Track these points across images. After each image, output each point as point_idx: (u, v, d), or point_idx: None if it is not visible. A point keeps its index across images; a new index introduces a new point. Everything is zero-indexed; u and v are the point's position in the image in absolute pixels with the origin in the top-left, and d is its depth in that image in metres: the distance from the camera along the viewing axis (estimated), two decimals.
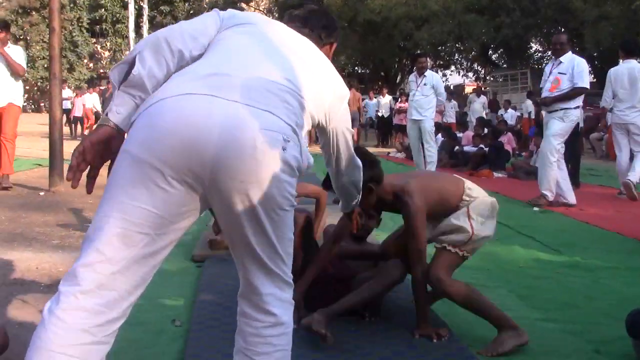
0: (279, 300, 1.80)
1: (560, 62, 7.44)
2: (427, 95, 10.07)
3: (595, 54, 26.20)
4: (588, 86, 7.45)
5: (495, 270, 4.46)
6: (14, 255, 4.52)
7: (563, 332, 3.21)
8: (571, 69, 7.29)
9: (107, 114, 1.79)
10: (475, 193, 3.17)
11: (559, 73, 7.38)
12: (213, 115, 1.61)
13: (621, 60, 8.31)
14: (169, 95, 1.66)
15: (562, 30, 25.41)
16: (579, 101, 7.41)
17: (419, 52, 20.66)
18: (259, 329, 1.78)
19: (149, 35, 1.89)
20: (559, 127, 7.30)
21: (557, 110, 7.33)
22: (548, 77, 7.56)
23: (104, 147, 1.76)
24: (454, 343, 2.99)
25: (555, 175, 7.34)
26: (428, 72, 10.23)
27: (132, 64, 1.79)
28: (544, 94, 7.53)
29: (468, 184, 3.20)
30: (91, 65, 47.67)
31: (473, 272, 4.40)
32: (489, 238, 3.21)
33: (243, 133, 1.61)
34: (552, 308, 3.59)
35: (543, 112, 8.63)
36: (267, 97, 1.71)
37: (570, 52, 7.56)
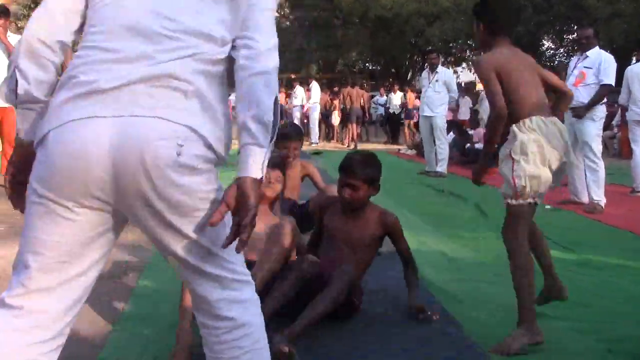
0: (233, 303, 1.72)
1: (587, 56, 7.24)
2: (438, 91, 10.06)
3: (608, 52, 26.07)
4: (613, 83, 7.23)
5: (504, 268, 4.42)
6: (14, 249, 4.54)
7: (574, 331, 3.20)
8: (598, 63, 7.09)
9: (17, 134, 1.75)
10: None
11: (584, 67, 7.18)
12: (99, 143, 1.53)
13: (634, 59, 8.24)
14: (54, 126, 1.57)
15: (576, 27, 25.23)
16: (604, 97, 7.20)
17: (430, 48, 20.64)
18: (220, 336, 1.72)
19: (21, 38, 1.74)
20: (593, 128, 7.08)
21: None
22: (572, 70, 7.37)
23: (29, 165, 1.68)
24: (465, 340, 2.98)
25: (603, 177, 7.11)
26: (440, 69, 10.22)
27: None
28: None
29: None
30: None
31: (484, 270, 4.40)
32: (546, 179, 3.00)
33: (131, 155, 1.52)
34: (562, 306, 3.57)
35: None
36: (152, 93, 1.58)
37: (597, 47, 7.34)
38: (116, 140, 1.53)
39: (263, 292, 2.69)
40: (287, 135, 4.64)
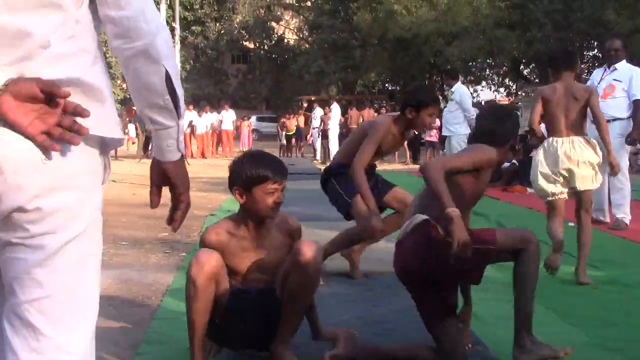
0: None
1: (615, 68, 6.98)
2: (452, 110, 10.02)
3: None
4: None
5: None
6: None
7: (603, 350, 3.14)
8: (629, 78, 6.83)
9: None
10: None
11: (613, 80, 6.92)
12: None
13: None
14: None
15: (596, 44, 25.14)
16: (630, 111, 6.86)
17: (448, 68, 20.63)
18: None
19: None
20: (618, 145, 6.60)
21: (609, 122, 6.37)
22: (598, 83, 7.03)
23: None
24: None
25: (629, 194, 6.92)
26: (455, 87, 10.18)
27: None
28: None
29: None
30: (124, 85, 48.37)
31: (506, 287, 4.33)
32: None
33: None
34: (591, 325, 3.51)
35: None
36: None
37: (624, 60, 7.05)
38: None
39: None
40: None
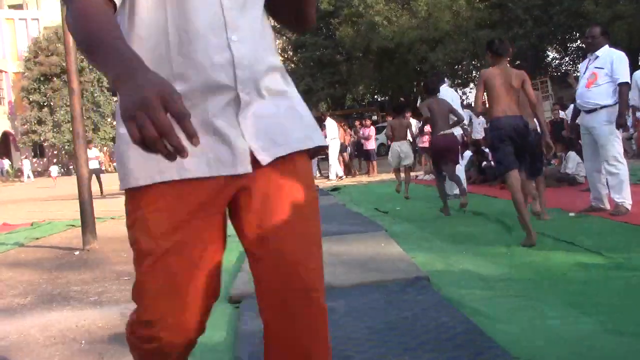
0: None
1: (597, 56, 6.99)
2: None
3: None
4: (629, 80, 7.00)
5: (539, 280, 4.36)
6: (53, 316, 4.53)
7: (619, 335, 3.10)
8: (610, 63, 6.82)
9: None
10: None
11: (595, 68, 6.93)
12: None
13: None
14: None
15: (578, 35, 25.27)
16: (617, 96, 6.82)
17: (433, 72, 20.69)
18: None
19: None
20: (608, 130, 6.81)
21: (596, 110, 6.85)
22: (584, 73, 7.11)
23: None
24: (504, 356, 2.90)
25: (626, 178, 6.85)
26: (442, 90, 10.15)
27: None
28: (580, 90, 7.09)
29: None
30: (114, 123, 48.46)
31: (515, 283, 4.31)
32: None
33: None
34: (603, 312, 3.47)
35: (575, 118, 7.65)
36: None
37: (607, 46, 7.02)
38: None
39: None
40: None
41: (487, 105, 6.19)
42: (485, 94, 6.00)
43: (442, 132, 8.07)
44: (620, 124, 6.78)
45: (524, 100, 5.92)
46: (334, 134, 18.92)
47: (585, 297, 3.83)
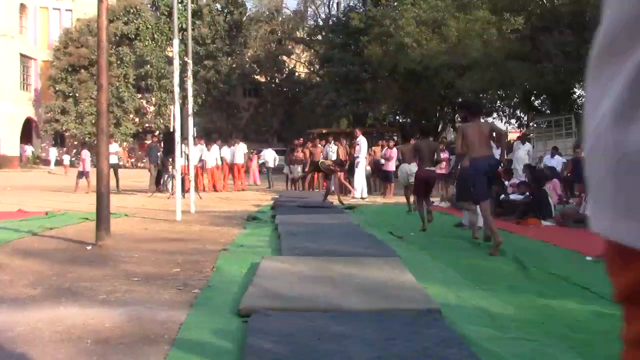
0: None
1: None
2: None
3: None
4: None
5: (551, 325, 4.29)
6: (61, 311, 4.52)
7: None
8: None
9: None
10: None
11: None
12: None
13: None
14: None
15: None
16: None
17: (460, 100, 20.63)
18: None
19: None
20: None
21: None
22: None
23: None
24: None
25: None
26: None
27: None
28: None
29: None
30: (137, 119, 48.76)
31: (526, 326, 4.25)
32: None
33: None
34: None
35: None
36: None
37: None
38: None
39: None
40: None
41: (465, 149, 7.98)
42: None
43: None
44: None
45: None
46: (364, 152, 18.62)
47: (597, 348, 3.77)
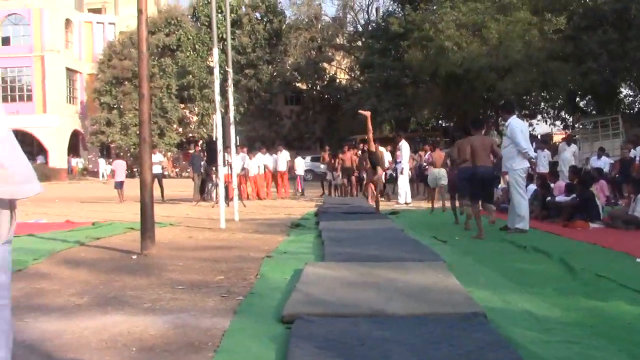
0: None
1: None
2: (505, 145, 9.91)
3: None
4: None
5: (600, 327, 4.19)
6: (107, 319, 4.58)
7: None
8: None
9: None
10: None
11: None
12: None
13: None
14: None
15: None
16: None
17: (502, 102, 20.39)
18: None
19: None
20: None
21: None
22: None
23: None
24: None
25: None
26: (509, 121, 10.00)
27: None
28: None
29: None
30: (180, 129, 49.38)
31: (574, 328, 4.16)
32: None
33: None
34: None
35: None
36: None
37: None
38: None
39: None
40: None
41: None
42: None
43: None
44: None
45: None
46: (407, 158, 18.57)
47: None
